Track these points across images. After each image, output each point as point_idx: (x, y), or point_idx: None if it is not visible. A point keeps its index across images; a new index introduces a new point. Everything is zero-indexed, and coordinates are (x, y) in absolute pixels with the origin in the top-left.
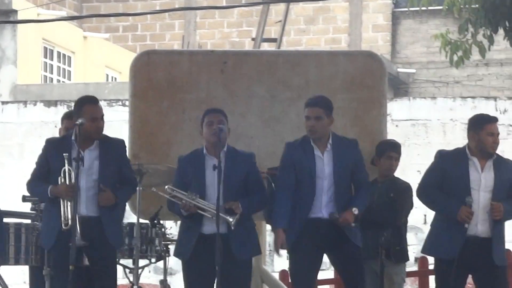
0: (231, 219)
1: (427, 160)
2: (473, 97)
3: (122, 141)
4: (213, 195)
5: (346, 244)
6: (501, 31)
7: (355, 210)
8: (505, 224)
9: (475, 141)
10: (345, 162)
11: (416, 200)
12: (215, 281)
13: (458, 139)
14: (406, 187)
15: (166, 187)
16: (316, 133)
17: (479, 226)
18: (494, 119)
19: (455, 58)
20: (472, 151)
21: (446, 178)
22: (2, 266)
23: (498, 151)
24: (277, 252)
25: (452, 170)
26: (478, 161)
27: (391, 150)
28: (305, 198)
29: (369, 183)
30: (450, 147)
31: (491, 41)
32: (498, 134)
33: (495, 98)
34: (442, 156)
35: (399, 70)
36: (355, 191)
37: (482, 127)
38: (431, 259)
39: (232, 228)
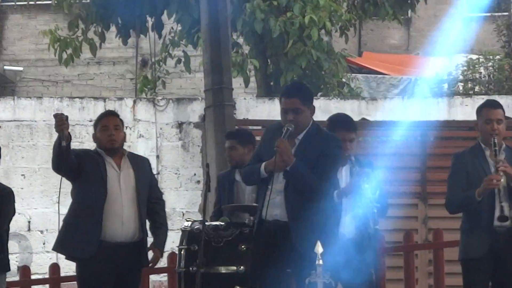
0: None
1: (33, 163)
2: (81, 98)
3: None
4: None
5: None
6: (113, 28)
7: None
8: None
9: None
10: None
11: (18, 206)
12: None
13: None
14: (8, 192)
15: None
16: None
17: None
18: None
19: (65, 56)
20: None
21: None
22: None
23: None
24: None
25: (90, 171)
26: (113, 159)
27: None
28: None
29: None
30: None
31: (102, 38)
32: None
33: (104, 99)
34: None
35: (6, 67)
36: None
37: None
38: (34, 269)
39: None
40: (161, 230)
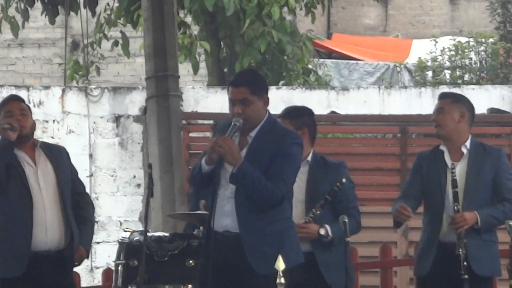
0: None
1: None
2: (0, 86)
3: None
4: None
5: None
6: (38, 4)
7: None
8: None
9: None
10: None
11: None
12: None
13: None
14: None
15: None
16: None
17: None
18: None
19: None
20: None
21: None
22: None
23: None
24: None
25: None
26: (25, 153)
27: None
28: None
29: None
30: None
31: (25, 16)
32: None
33: (28, 87)
34: None
35: None
36: None
37: None
38: None
39: None
40: (86, 225)
